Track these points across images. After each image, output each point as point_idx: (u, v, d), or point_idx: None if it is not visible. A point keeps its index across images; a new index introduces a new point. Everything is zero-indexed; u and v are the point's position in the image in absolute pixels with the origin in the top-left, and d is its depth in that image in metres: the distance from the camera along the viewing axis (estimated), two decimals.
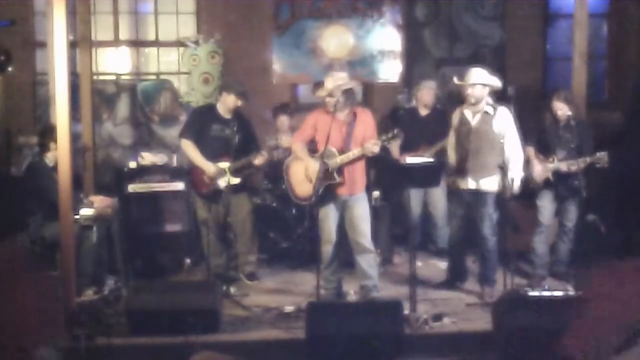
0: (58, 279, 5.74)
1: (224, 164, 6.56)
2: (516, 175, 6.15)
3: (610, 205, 7.48)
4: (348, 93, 6.06)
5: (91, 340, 5.23)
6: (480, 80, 6.18)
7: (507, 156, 6.15)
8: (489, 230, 6.28)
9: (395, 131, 5.89)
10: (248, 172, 6.93)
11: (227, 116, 6.69)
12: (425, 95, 7.64)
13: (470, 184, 6.28)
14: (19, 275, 2.73)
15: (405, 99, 8.53)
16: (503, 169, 6.07)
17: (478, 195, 6.27)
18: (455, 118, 6.46)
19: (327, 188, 6.02)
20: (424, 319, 5.61)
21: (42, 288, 2.74)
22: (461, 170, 6.31)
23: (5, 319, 2.63)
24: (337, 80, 6.07)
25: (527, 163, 6.47)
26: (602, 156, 6.24)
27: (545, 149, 6.55)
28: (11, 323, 2.63)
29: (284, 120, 7.93)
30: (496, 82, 6.24)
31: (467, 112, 6.30)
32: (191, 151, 6.67)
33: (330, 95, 6.00)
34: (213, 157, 6.61)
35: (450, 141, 6.52)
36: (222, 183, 6.53)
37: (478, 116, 6.24)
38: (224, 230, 6.83)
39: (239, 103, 6.69)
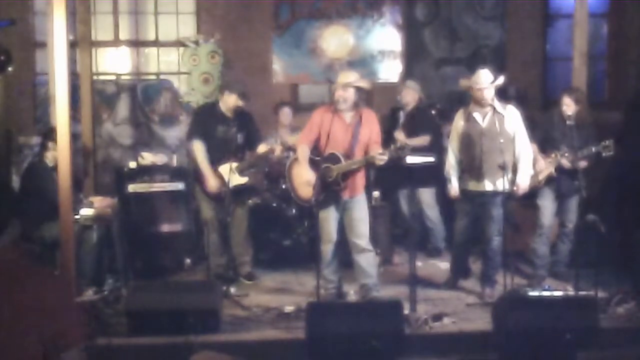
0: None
1: (230, 165, 6.54)
2: (528, 174, 6.18)
3: (610, 205, 7.48)
4: (359, 92, 6.04)
5: (91, 340, 5.23)
6: (491, 82, 6.17)
7: (517, 155, 6.16)
8: (496, 230, 6.28)
9: (404, 143, 5.85)
10: (253, 171, 6.96)
11: (230, 115, 6.68)
12: (406, 96, 7.62)
13: (487, 185, 6.22)
14: (27, 276, 2.71)
15: None
16: (514, 167, 6.11)
17: (493, 196, 6.23)
18: (459, 120, 6.38)
19: (329, 191, 6.03)
20: (424, 319, 5.61)
21: (56, 288, 2.72)
22: (475, 172, 6.26)
23: (21, 321, 2.60)
24: (349, 77, 6.06)
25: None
26: (608, 144, 6.22)
27: (548, 146, 6.56)
28: (31, 325, 2.60)
29: (286, 112, 7.93)
30: (501, 81, 6.26)
31: (476, 114, 6.26)
32: (200, 155, 6.62)
33: (343, 90, 5.96)
34: (219, 158, 6.59)
35: (453, 144, 6.45)
36: (230, 183, 6.53)
37: (488, 117, 6.22)
38: (225, 230, 6.83)
39: (240, 103, 6.67)
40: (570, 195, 6.55)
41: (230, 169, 6.50)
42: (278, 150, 6.72)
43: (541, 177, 6.55)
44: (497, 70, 6.48)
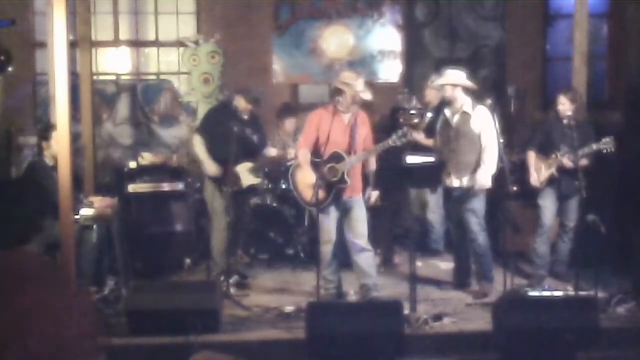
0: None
1: (246, 165, 6.73)
2: (488, 172, 6.21)
3: (610, 205, 7.48)
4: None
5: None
6: (447, 81, 6.33)
7: (481, 153, 6.25)
8: (476, 226, 6.34)
9: (405, 129, 5.91)
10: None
11: (243, 116, 6.78)
12: (429, 95, 7.57)
13: (454, 182, 6.40)
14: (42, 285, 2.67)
15: (406, 99, 8.51)
16: (478, 165, 6.23)
17: (462, 192, 6.36)
18: (441, 120, 6.58)
19: (334, 190, 6.02)
20: (424, 319, 5.62)
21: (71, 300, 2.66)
22: (446, 169, 6.44)
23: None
24: (361, 84, 6.06)
25: (526, 168, 6.59)
26: (608, 141, 6.25)
27: (549, 148, 6.57)
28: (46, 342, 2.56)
29: (291, 122, 7.89)
30: (463, 81, 6.33)
31: (448, 113, 6.46)
32: (199, 148, 6.78)
33: (353, 93, 5.97)
34: (235, 157, 6.58)
35: (437, 141, 6.62)
36: (245, 182, 6.74)
37: (457, 116, 6.38)
38: (229, 230, 6.84)
39: (249, 107, 6.80)
40: (571, 196, 6.56)
41: (248, 170, 6.70)
42: (292, 154, 6.91)
43: (542, 178, 6.58)
44: (497, 70, 6.50)
